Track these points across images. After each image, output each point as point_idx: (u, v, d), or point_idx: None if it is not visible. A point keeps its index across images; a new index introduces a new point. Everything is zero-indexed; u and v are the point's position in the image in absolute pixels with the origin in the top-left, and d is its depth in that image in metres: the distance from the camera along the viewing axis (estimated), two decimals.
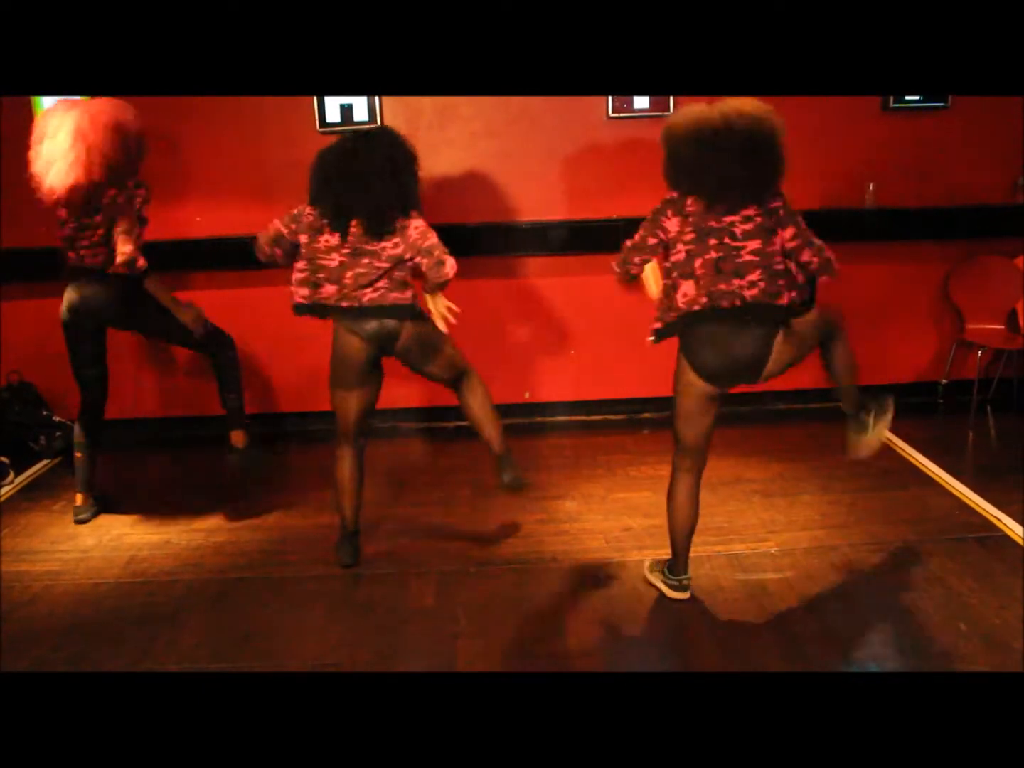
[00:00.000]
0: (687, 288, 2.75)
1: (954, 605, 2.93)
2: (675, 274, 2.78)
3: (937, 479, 3.96)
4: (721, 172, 2.67)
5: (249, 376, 4.92)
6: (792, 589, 3.10)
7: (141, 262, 3.53)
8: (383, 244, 3.12)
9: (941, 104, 4.66)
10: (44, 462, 4.59)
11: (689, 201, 2.74)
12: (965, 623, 2.82)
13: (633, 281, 2.95)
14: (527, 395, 5.02)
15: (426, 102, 4.63)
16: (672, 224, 2.77)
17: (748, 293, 2.72)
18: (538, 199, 4.72)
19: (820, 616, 2.92)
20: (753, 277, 2.72)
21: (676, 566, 3.08)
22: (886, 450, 4.36)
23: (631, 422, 4.87)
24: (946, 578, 3.11)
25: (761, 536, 3.49)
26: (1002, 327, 4.81)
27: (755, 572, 3.22)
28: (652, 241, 2.84)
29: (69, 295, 3.63)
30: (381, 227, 3.11)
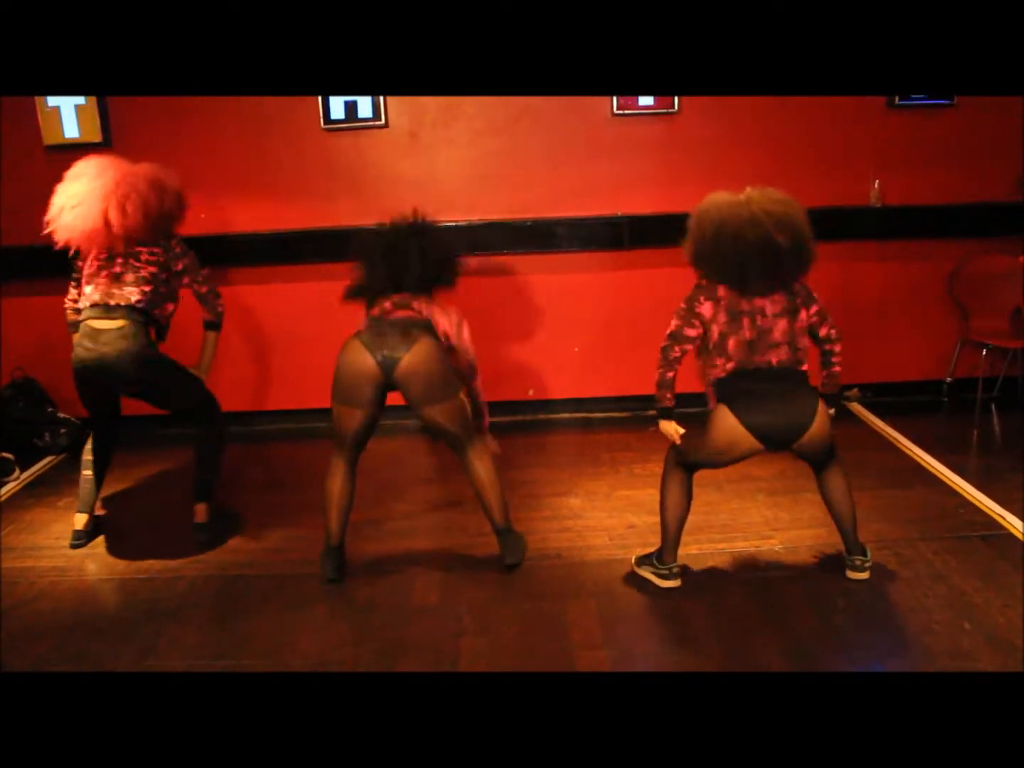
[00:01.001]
0: (721, 362, 2.91)
1: (958, 603, 2.93)
2: (710, 350, 2.94)
3: (941, 477, 3.95)
4: (747, 266, 2.82)
5: (250, 373, 4.94)
6: (796, 587, 3.10)
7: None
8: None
9: (946, 102, 4.65)
10: (49, 458, 4.60)
11: (720, 287, 2.90)
12: (969, 621, 2.82)
13: (674, 370, 3.01)
14: (531, 392, 5.02)
15: (430, 100, 4.62)
16: (706, 309, 2.93)
17: (775, 360, 2.90)
18: (542, 196, 4.72)
19: (823, 614, 2.92)
20: (782, 352, 2.93)
21: (667, 555, 3.13)
22: (891, 448, 4.36)
23: (635, 419, 4.87)
24: (950, 576, 3.10)
25: (765, 534, 3.49)
26: (1007, 325, 4.79)
27: (759, 570, 3.22)
28: (690, 332, 2.97)
29: (94, 350, 3.32)
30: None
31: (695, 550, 3.35)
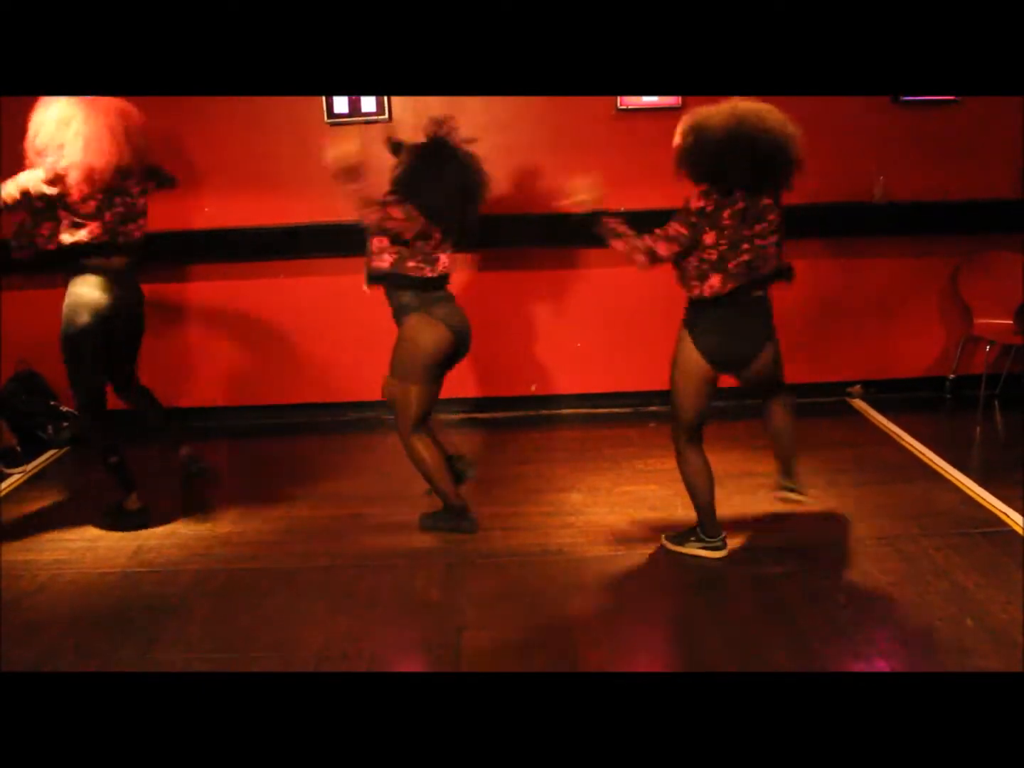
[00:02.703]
0: (715, 280, 2.96)
1: (961, 600, 2.93)
2: (707, 267, 2.96)
3: (944, 474, 3.95)
4: (761, 169, 2.88)
5: (253, 367, 4.95)
6: (798, 583, 3.09)
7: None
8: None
9: (951, 98, 4.64)
10: (52, 451, 4.61)
11: (726, 214, 2.90)
12: (971, 618, 2.81)
13: (646, 255, 2.99)
14: (533, 388, 5.03)
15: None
16: (709, 238, 2.93)
17: (763, 272, 3.03)
18: (546, 191, 4.70)
19: (826, 610, 2.92)
20: (771, 263, 3.04)
21: (711, 527, 3.24)
22: (893, 444, 4.36)
23: (637, 415, 4.87)
24: (952, 573, 3.10)
25: (767, 529, 3.48)
26: (1010, 322, 4.78)
27: (760, 566, 3.22)
28: (685, 239, 2.93)
29: (112, 291, 3.44)
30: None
31: (698, 549, 3.35)
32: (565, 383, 5.02)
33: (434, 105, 4.61)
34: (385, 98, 4.58)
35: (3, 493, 4.15)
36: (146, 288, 3.73)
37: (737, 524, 3.53)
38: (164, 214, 4.54)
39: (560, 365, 4.98)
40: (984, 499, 3.66)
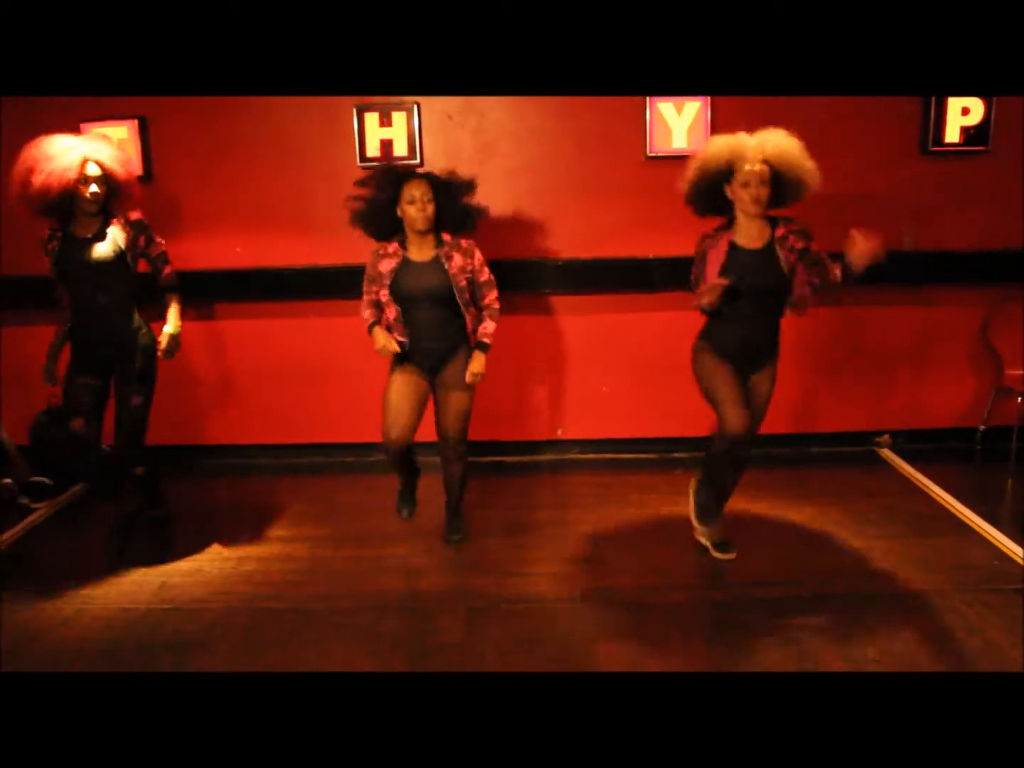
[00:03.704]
0: None
1: (994, 658, 2.86)
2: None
3: (975, 527, 3.88)
4: None
5: (284, 405, 4.98)
6: (825, 636, 3.04)
7: None
8: None
9: (980, 148, 4.64)
10: (79, 485, 4.64)
11: None
12: None
13: None
14: (559, 432, 5.02)
15: (465, 138, 4.68)
16: None
17: None
18: (574, 236, 4.74)
19: (855, 665, 2.86)
20: None
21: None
22: (923, 496, 4.30)
23: (663, 462, 4.84)
24: (986, 630, 3.03)
25: (796, 581, 3.43)
26: None
27: (788, 617, 3.16)
28: None
29: None
30: None
31: (723, 596, 3.31)
32: (590, 428, 5.01)
33: (466, 148, 4.70)
34: (416, 141, 4.65)
35: (30, 526, 4.18)
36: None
37: (764, 574, 3.49)
38: (193, 252, 4.61)
39: (586, 410, 4.98)
40: (1016, 554, 3.59)
